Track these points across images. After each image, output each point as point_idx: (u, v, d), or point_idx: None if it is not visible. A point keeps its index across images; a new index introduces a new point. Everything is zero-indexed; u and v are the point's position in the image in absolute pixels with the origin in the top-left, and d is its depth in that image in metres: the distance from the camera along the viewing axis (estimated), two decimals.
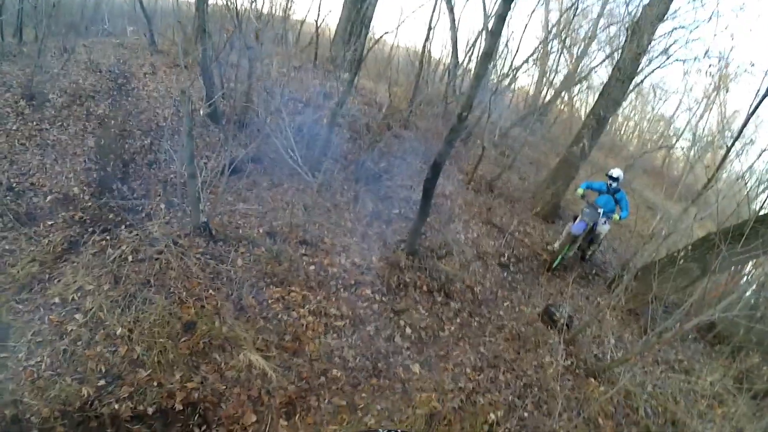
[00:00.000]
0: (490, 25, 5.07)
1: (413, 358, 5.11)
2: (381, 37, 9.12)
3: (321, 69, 11.63)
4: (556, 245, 8.04)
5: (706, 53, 9.15)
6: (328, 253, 6.12)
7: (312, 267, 5.78)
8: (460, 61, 12.88)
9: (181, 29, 10.01)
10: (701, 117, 19.41)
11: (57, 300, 4.28)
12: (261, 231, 6.08)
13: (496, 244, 7.98)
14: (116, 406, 3.56)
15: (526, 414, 4.73)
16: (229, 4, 8.19)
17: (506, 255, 7.81)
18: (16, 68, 7.81)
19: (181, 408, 3.71)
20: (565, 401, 4.92)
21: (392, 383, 4.71)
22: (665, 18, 8.64)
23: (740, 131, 7.18)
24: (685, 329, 5.40)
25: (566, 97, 17.22)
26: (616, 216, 7.76)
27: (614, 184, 7.84)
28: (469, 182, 9.63)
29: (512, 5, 4.84)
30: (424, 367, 5.02)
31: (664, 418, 5.31)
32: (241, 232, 5.92)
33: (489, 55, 5.12)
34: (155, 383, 3.80)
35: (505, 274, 7.40)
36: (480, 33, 12.25)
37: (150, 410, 3.62)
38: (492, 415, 4.56)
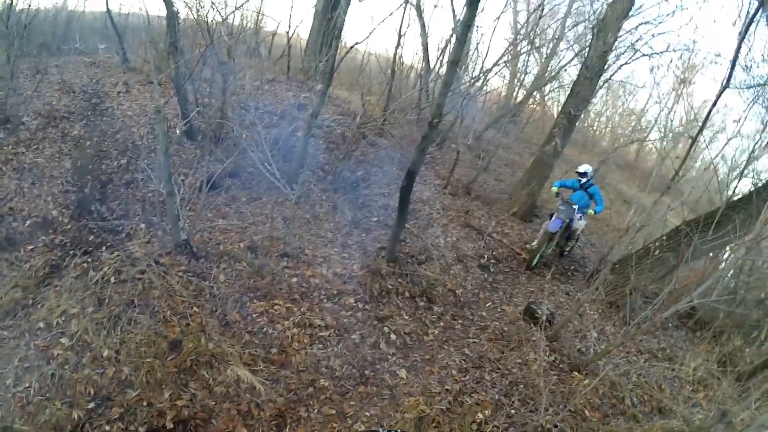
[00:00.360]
0: (458, 32, 5.19)
1: (399, 364, 5.21)
2: (352, 47, 9.22)
3: (294, 81, 11.72)
4: (535, 243, 8.23)
5: (668, 47, 9.39)
6: (310, 264, 6.20)
7: (294, 279, 5.85)
8: (432, 66, 13.08)
9: (154, 46, 10.01)
10: (671, 109, 19.85)
11: (42, 324, 4.30)
12: (242, 246, 6.13)
13: (475, 246, 8.12)
14: (107, 428, 3.60)
15: (513, 411, 4.82)
16: (200, 19, 8.25)
17: (486, 256, 7.96)
18: None
19: (172, 426, 3.76)
20: (550, 396, 5.03)
21: (380, 389, 4.80)
22: (630, 14, 8.91)
23: (705, 120, 7.43)
24: (663, 317, 5.55)
25: (538, 97, 17.50)
26: (591, 210, 7.99)
27: (584, 180, 8.09)
28: (445, 187, 9.79)
29: (477, 12, 4.95)
30: (410, 372, 5.12)
31: (650, 406, 5.44)
32: (222, 247, 5.96)
33: (456, 63, 5.25)
34: (145, 403, 3.85)
35: (486, 275, 7.54)
36: (449, 39, 12.44)
37: (141, 430, 3.66)
38: (480, 415, 4.66)
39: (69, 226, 5.74)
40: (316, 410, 4.35)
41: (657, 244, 7.39)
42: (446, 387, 4.98)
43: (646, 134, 19.48)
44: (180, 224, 5.42)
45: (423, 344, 5.65)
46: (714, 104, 6.86)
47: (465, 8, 4.83)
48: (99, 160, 7.00)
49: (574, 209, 7.91)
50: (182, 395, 4.02)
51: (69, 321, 4.35)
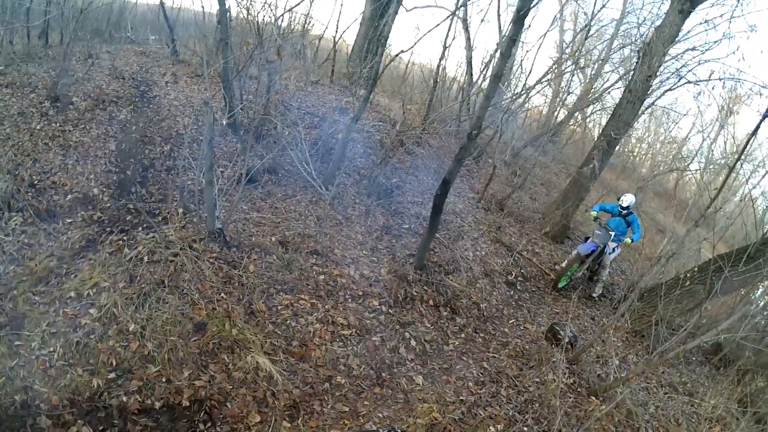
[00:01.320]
0: (503, 47, 5.19)
1: (417, 370, 5.18)
2: (397, 55, 9.27)
3: (337, 85, 11.87)
4: (564, 264, 8.09)
5: (710, 75, 9.15)
6: (338, 264, 6.23)
7: (322, 277, 5.89)
8: (475, 80, 13.07)
9: (204, 41, 10.28)
10: (714, 140, 19.38)
11: (73, 294, 4.43)
12: (273, 240, 6.20)
13: (504, 262, 8.04)
14: (125, 399, 3.67)
15: (525, 428, 4.76)
16: (250, 18, 8.45)
17: (514, 274, 7.88)
18: (42, 70, 8.08)
19: (188, 404, 3.81)
20: (565, 418, 4.95)
21: (395, 393, 4.78)
22: (677, 40, 8.76)
23: (742, 150, 7.17)
24: (686, 349, 5.41)
25: (579, 118, 17.32)
26: (627, 239, 7.79)
27: (625, 211, 7.90)
28: (479, 200, 9.73)
29: (522, 28, 4.97)
30: (427, 379, 5.09)
31: None
32: (254, 239, 6.04)
33: (499, 77, 5.25)
34: (164, 379, 3.91)
35: (512, 292, 7.47)
36: (494, 53, 12.43)
37: (157, 404, 3.72)
38: (492, 429, 4.60)
39: (108, 205, 5.91)
40: (330, 405, 4.35)
41: (688, 275, 7.20)
42: (461, 397, 4.94)
43: (686, 164, 19.03)
44: (216, 213, 5.52)
45: (442, 353, 5.61)
46: (753, 134, 6.63)
47: (511, 24, 4.85)
48: (143, 145, 7.20)
49: (611, 235, 7.78)
50: (201, 376, 4.07)
51: (99, 294, 4.46)
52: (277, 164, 7.77)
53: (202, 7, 10.75)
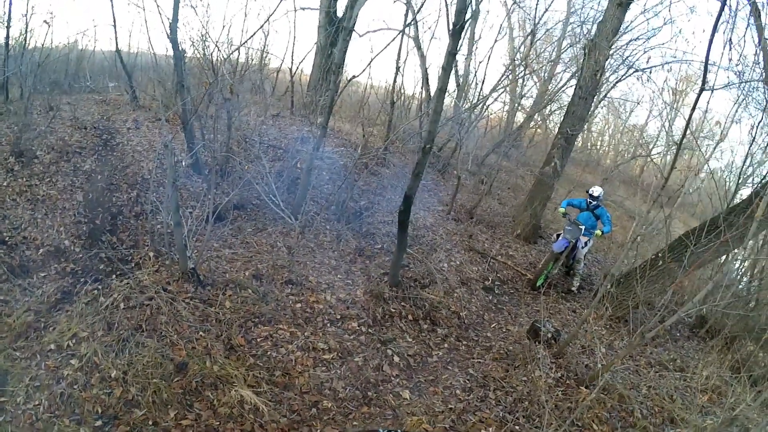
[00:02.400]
0: (444, 61, 5.44)
1: (403, 385, 5.31)
2: (350, 80, 9.57)
3: (298, 115, 12.10)
4: (540, 265, 8.33)
5: (648, 61, 9.64)
6: (314, 290, 6.36)
7: (299, 305, 6.01)
8: (432, 95, 13.40)
9: (162, 85, 10.41)
10: (672, 122, 19.97)
11: (53, 347, 4.48)
12: (247, 274, 6.31)
13: (479, 269, 8.27)
14: None
15: (517, 427, 4.89)
16: (205, 58, 8.62)
17: (490, 279, 8.11)
18: (4, 126, 8.11)
19: None
20: (557, 411, 5.11)
21: (383, 410, 4.89)
22: (620, 32, 9.19)
23: (686, 125, 7.48)
24: (667, 326, 5.58)
25: (539, 120, 17.80)
26: (598, 231, 8.10)
27: (594, 202, 8.25)
28: (449, 212, 9.98)
29: (459, 41, 5.21)
30: (414, 393, 5.22)
31: (661, 417, 5.45)
32: (228, 276, 6.14)
33: (443, 90, 5.47)
34: (151, 422, 3.98)
35: (491, 297, 7.68)
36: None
37: None
38: None
39: (80, 255, 5.97)
40: (318, 430, 4.45)
41: (660, 255, 7.45)
42: (450, 406, 5.07)
43: (648, 149, 19.54)
44: (187, 253, 5.63)
45: (427, 365, 5.75)
46: (693, 108, 6.96)
47: (450, 38, 5.08)
48: (110, 193, 7.28)
49: (581, 230, 8.09)
50: (187, 415, 4.15)
51: (79, 344, 4.52)
52: (245, 199, 7.93)
53: (153, 54, 10.76)
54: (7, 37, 9.41)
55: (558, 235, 8.43)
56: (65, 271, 5.67)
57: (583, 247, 8.31)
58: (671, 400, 5.71)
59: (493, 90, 12.31)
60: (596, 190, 8.35)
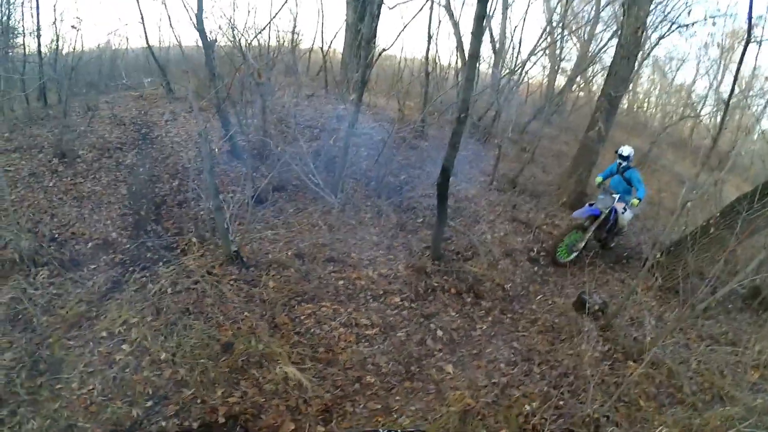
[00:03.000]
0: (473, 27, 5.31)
1: (446, 359, 5.31)
2: (380, 53, 9.48)
3: (333, 94, 12.13)
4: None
5: (707, 18, 9.16)
6: (355, 267, 6.43)
7: (341, 282, 6.10)
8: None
9: (194, 75, 10.65)
10: (720, 81, 18.87)
11: (104, 334, 4.73)
12: (290, 254, 6.43)
13: (524, 240, 8.12)
14: (164, 424, 3.91)
15: (561, 402, 4.79)
16: (236, 44, 8.73)
17: (535, 249, 7.94)
18: (45, 130, 8.56)
19: (224, 421, 4.03)
20: (603, 386, 5.00)
21: (425, 384, 4.92)
22: None
23: (734, 81, 7.10)
24: (718, 298, 5.35)
25: (581, 83, 17.21)
26: (634, 199, 7.34)
27: (624, 163, 7.62)
28: (491, 183, 9.83)
29: (487, 5, 5.06)
30: (457, 367, 5.21)
31: (710, 394, 5.22)
32: (270, 256, 6.29)
33: (474, 57, 5.38)
34: (199, 400, 4.15)
35: (536, 268, 7.53)
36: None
37: (195, 425, 3.95)
38: (527, 407, 4.66)
39: (127, 246, 6.26)
40: (361, 405, 4.52)
41: (711, 222, 7.11)
42: (493, 380, 5.03)
43: (697, 110, 18.56)
44: (230, 237, 5.80)
45: (470, 339, 5.73)
46: (740, 63, 6.60)
47: (477, 2, 4.95)
48: (152, 184, 7.59)
49: (614, 198, 7.49)
50: (234, 393, 4.30)
51: (129, 329, 4.76)
52: (284, 181, 8.04)
53: (180, 47, 11.03)
54: (39, 45, 9.84)
55: (591, 204, 7.69)
56: (114, 262, 5.94)
57: (623, 213, 7.67)
58: (722, 375, 5.47)
59: (531, 54, 11.95)
60: (625, 150, 7.63)
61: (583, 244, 7.68)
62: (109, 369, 4.35)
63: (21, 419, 3.89)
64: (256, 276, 5.82)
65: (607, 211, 7.49)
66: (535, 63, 14.88)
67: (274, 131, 8.73)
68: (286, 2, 11.60)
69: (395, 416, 4.48)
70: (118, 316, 4.94)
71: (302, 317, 5.40)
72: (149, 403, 4.08)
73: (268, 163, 8.36)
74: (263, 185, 7.10)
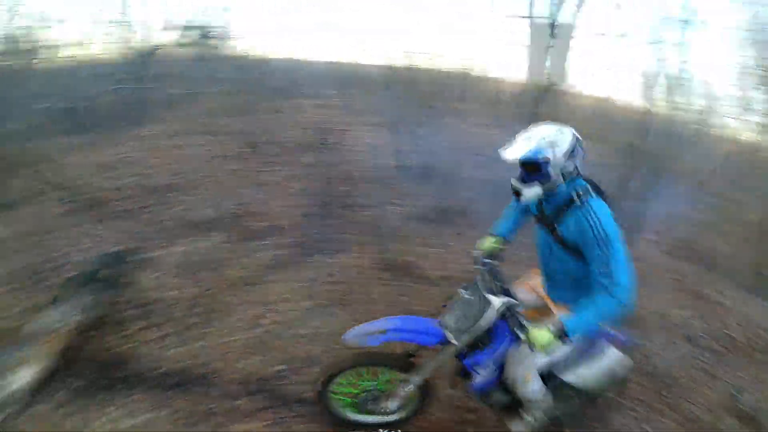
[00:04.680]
0: None
1: None
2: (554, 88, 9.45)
3: (504, 124, 12.35)
4: None
5: None
6: None
7: None
8: None
9: (372, 93, 11.61)
10: None
11: (258, 300, 5.26)
12: (437, 274, 6.54)
13: None
14: (288, 388, 4.20)
15: None
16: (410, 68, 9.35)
17: None
18: (237, 122, 9.82)
19: None
20: None
21: None
22: None
23: None
24: None
25: None
26: (544, 333, 2.81)
27: (533, 188, 3.25)
28: None
29: None
30: None
31: None
32: (420, 272, 6.47)
33: None
34: (320, 381, 4.40)
35: None
36: None
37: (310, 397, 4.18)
38: None
39: (295, 233, 6.87)
40: None
41: None
42: None
43: None
44: (388, 246, 6.15)
45: None
46: None
47: None
48: (325, 185, 8.33)
49: (496, 302, 3.21)
50: None
51: (280, 303, 5.23)
52: (448, 204, 8.27)
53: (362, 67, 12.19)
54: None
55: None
56: (280, 244, 6.51)
57: (530, 346, 2.88)
58: None
59: None
60: (523, 145, 3.08)
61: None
62: (254, 329, 4.80)
63: (169, 343, 4.53)
64: (405, 286, 5.98)
65: (463, 340, 3.08)
66: None
67: (446, 154, 9.09)
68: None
69: None
70: (274, 290, 5.45)
71: None
72: (280, 367, 4.39)
73: (435, 184, 8.70)
74: (427, 203, 7.38)
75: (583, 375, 3.22)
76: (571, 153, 2.88)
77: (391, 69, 10.80)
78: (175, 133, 9.67)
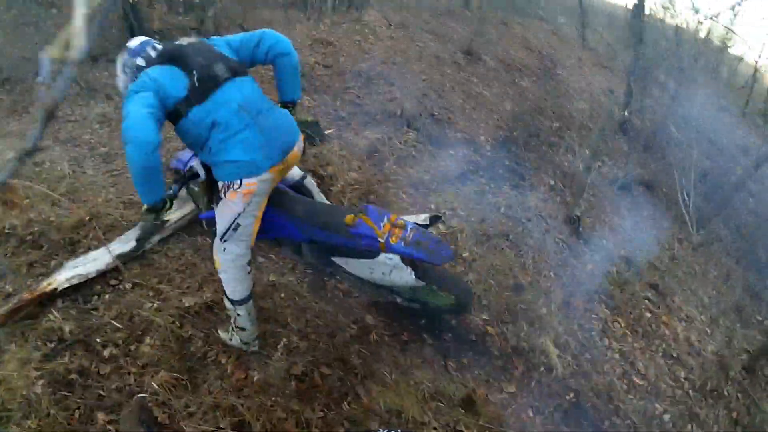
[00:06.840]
0: None
1: None
2: None
3: (749, 119, 11.15)
4: None
5: None
6: (671, 310, 5.95)
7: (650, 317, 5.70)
8: None
9: (614, 32, 10.82)
10: None
11: (436, 204, 5.56)
12: (621, 252, 6.28)
13: None
14: None
15: None
16: (669, 18, 8.54)
17: None
18: (460, 27, 9.81)
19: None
20: None
21: None
22: None
23: None
24: None
25: None
26: None
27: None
28: None
29: None
30: None
31: None
32: (604, 242, 6.28)
33: None
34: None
35: None
36: None
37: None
38: None
39: (488, 153, 6.91)
40: None
41: None
42: None
43: None
44: (578, 201, 6.02)
45: None
46: None
47: None
48: (535, 114, 8.20)
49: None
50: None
51: (449, 211, 5.53)
52: (658, 181, 7.82)
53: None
54: None
55: None
56: (469, 159, 6.57)
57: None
58: None
59: None
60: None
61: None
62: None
63: None
64: (582, 250, 5.87)
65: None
66: None
67: (672, 126, 8.45)
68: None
69: None
70: (450, 199, 5.64)
71: None
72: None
73: (651, 153, 8.22)
74: (629, 175, 7.00)
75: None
76: None
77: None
78: (397, 24, 9.80)
